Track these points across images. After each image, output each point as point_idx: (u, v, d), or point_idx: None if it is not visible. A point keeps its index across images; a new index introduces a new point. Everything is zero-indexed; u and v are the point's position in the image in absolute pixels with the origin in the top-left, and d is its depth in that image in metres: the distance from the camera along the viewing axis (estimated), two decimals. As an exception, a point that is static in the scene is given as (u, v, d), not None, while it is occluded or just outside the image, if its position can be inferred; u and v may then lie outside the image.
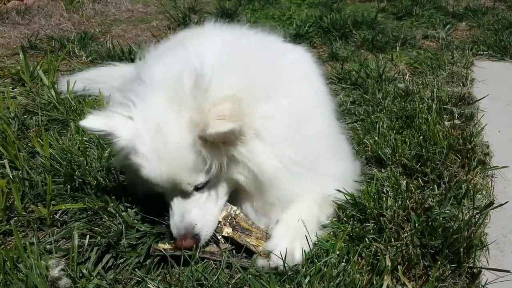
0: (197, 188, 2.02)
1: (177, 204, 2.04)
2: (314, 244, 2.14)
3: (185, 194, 2.02)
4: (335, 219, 2.34)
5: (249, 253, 2.11)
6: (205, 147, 1.89)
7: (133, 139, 1.96)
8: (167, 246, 2.07)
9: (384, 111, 3.59)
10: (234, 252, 2.13)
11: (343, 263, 2.02)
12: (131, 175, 2.20)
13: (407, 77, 4.29)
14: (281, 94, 2.11)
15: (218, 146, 1.92)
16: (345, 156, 2.56)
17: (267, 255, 2.03)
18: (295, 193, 2.17)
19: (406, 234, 2.13)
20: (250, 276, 1.96)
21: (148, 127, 1.94)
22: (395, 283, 1.95)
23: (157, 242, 2.12)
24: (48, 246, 2.19)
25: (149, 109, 1.98)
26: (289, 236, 2.07)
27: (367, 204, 2.33)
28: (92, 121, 2.04)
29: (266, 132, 2.00)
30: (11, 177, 2.59)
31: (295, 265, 2.00)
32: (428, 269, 2.01)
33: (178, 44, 2.50)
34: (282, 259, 1.96)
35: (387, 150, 2.92)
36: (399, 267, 1.98)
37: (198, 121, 1.85)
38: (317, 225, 2.24)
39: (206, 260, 2.08)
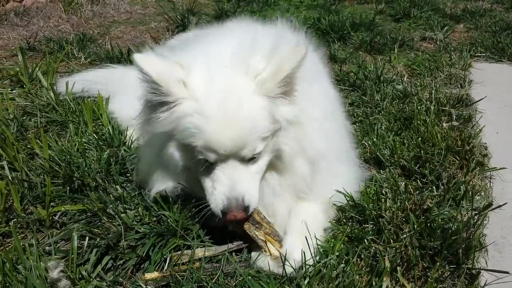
0: (251, 158, 1.98)
1: (228, 173, 1.97)
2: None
3: (237, 164, 1.97)
4: (335, 220, 2.34)
5: (249, 250, 2.13)
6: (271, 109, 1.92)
7: (196, 99, 1.89)
8: (155, 275, 2.02)
9: (382, 112, 3.60)
10: (233, 254, 2.14)
11: (342, 264, 2.03)
12: (157, 150, 2.13)
13: (405, 79, 4.31)
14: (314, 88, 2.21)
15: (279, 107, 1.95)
16: (353, 160, 2.57)
17: (276, 257, 2.03)
18: (314, 186, 2.21)
19: (405, 235, 2.14)
20: (249, 277, 1.97)
21: (217, 88, 1.90)
22: (394, 284, 1.96)
23: (143, 273, 2.06)
24: (47, 247, 2.19)
25: (215, 71, 1.93)
26: (300, 246, 2.06)
27: (366, 205, 2.34)
28: (152, 63, 1.91)
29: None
30: (10, 178, 2.59)
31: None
32: (427, 270, 2.02)
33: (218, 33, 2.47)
34: (295, 269, 1.97)
35: (385, 152, 2.93)
36: (398, 268, 1.99)
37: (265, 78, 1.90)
38: (321, 231, 2.25)
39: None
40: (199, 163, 2.00)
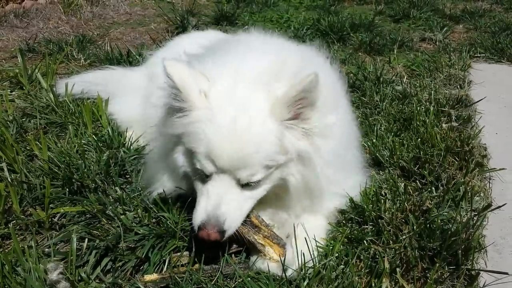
0: (247, 184, 1.96)
1: (217, 191, 1.95)
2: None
3: (232, 184, 1.96)
4: (334, 222, 2.34)
5: (248, 254, 2.12)
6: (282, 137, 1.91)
7: (211, 109, 1.91)
8: (154, 276, 2.01)
9: (382, 113, 3.60)
10: (232, 256, 2.13)
11: (341, 266, 2.03)
12: (165, 153, 2.17)
13: (404, 80, 4.31)
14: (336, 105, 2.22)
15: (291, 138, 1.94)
16: (360, 170, 2.54)
17: (276, 261, 2.02)
18: (319, 202, 2.20)
19: (404, 237, 2.14)
20: (249, 279, 1.97)
21: (234, 102, 1.91)
22: (393, 286, 1.96)
23: (142, 275, 2.05)
24: (46, 249, 2.19)
25: (237, 87, 1.94)
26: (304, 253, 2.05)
27: (365, 206, 2.34)
28: (179, 71, 1.94)
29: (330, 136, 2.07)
30: (9, 180, 2.58)
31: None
32: (427, 271, 2.02)
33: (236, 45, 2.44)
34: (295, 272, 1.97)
35: (385, 153, 2.93)
36: (398, 269, 1.99)
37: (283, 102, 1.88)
38: (324, 236, 2.25)
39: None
40: (197, 173, 2.01)
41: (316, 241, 2.11)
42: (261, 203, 2.11)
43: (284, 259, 2.00)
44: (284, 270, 1.96)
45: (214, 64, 2.09)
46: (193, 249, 2.07)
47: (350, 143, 2.37)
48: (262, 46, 2.28)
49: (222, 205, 1.94)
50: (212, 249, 2.07)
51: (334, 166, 2.13)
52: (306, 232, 2.08)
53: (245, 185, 1.96)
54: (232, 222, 1.96)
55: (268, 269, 2.01)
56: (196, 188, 2.05)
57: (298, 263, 2.00)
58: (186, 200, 2.22)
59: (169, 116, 2.04)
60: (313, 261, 2.01)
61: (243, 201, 2.00)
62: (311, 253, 2.03)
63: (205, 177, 1.98)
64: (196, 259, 2.08)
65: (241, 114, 1.88)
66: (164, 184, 2.29)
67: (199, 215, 1.95)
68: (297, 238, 2.09)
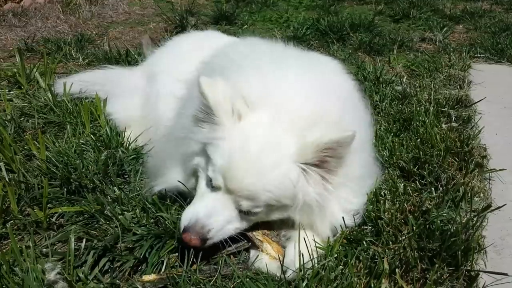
0: (247, 212, 1.98)
1: (215, 204, 1.97)
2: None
3: (230, 205, 1.96)
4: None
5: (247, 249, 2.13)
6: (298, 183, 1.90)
7: (244, 133, 1.92)
8: (152, 277, 2.00)
9: (381, 113, 3.60)
10: (231, 256, 2.12)
11: (340, 266, 2.02)
12: (179, 145, 2.18)
13: (404, 80, 4.30)
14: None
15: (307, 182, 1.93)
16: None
17: (273, 258, 2.03)
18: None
19: (404, 237, 2.13)
20: (247, 279, 1.96)
21: (265, 138, 1.90)
22: (393, 286, 1.95)
23: (140, 276, 2.04)
24: (44, 249, 2.17)
25: (272, 121, 1.93)
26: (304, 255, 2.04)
27: (365, 207, 2.33)
28: (214, 90, 1.94)
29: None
30: (7, 180, 2.58)
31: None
32: (426, 272, 2.01)
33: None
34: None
35: (384, 153, 2.92)
36: (397, 270, 1.98)
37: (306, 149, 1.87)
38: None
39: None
40: (204, 177, 2.03)
41: (315, 242, 2.10)
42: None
43: (283, 259, 2.00)
44: (283, 271, 1.95)
45: (257, 87, 2.03)
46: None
47: (367, 179, 2.35)
48: (310, 79, 2.18)
49: (213, 216, 1.95)
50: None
51: (343, 204, 2.14)
52: (305, 233, 2.07)
53: (246, 212, 1.98)
54: (217, 233, 1.97)
55: (267, 269, 2.01)
56: (198, 186, 2.07)
57: (298, 265, 1.99)
58: (184, 201, 2.21)
59: (194, 124, 2.06)
60: (312, 261, 2.00)
61: (236, 222, 2.01)
62: (310, 253, 2.02)
63: (209, 183, 2.00)
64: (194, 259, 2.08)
65: (268, 153, 1.88)
66: (167, 180, 2.29)
67: (188, 216, 1.97)
68: (296, 239, 2.08)
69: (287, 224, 2.14)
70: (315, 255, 2.03)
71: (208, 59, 2.76)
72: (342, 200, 2.11)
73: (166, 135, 2.53)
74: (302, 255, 1.99)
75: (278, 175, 1.88)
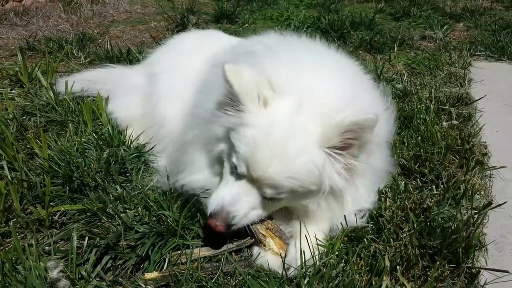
0: (271, 198, 1.99)
1: (239, 190, 1.99)
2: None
3: (254, 192, 1.98)
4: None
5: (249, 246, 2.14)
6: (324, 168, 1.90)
7: (270, 120, 1.90)
8: (154, 274, 2.01)
9: (382, 111, 3.59)
10: (233, 253, 2.13)
11: (342, 264, 2.03)
12: (205, 132, 2.17)
13: (405, 78, 4.30)
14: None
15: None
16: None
17: (276, 253, 2.04)
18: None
19: (405, 235, 2.13)
20: (249, 277, 1.97)
21: (291, 125, 1.89)
22: (394, 284, 1.96)
23: (143, 273, 2.06)
24: (47, 247, 2.19)
25: (298, 107, 1.92)
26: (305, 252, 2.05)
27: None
28: (239, 76, 1.92)
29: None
30: (9, 178, 2.59)
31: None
32: (427, 269, 2.02)
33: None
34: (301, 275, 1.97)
35: (385, 151, 2.92)
36: (398, 267, 1.99)
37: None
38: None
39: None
40: (229, 163, 2.04)
41: (317, 239, 2.11)
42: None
43: (285, 255, 2.01)
44: (285, 268, 1.96)
45: (286, 73, 2.03)
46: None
47: (383, 176, 2.40)
48: (339, 69, 2.23)
49: (238, 203, 1.97)
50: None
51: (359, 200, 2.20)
52: (307, 231, 2.08)
53: (269, 198, 1.99)
54: (241, 220, 2.00)
55: (269, 267, 2.02)
56: (224, 172, 2.08)
57: (300, 262, 2.00)
58: (187, 199, 2.22)
59: (219, 108, 2.05)
60: (313, 259, 2.01)
61: (259, 208, 2.03)
62: (312, 251, 2.02)
63: (235, 169, 2.00)
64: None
65: (294, 140, 1.88)
66: (194, 170, 2.27)
67: (215, 202, 2.00)
68: (298, 237, 2.10)
69: (291, 215, 2.16)
70: (316, 253, 2.04)
71: (236, 43, 2.75)
72: (360, 194, 2.17)
73: (187, 124, 2.48)
74: (304, 252, 2.00)
75: (303, 162, 1.88)
